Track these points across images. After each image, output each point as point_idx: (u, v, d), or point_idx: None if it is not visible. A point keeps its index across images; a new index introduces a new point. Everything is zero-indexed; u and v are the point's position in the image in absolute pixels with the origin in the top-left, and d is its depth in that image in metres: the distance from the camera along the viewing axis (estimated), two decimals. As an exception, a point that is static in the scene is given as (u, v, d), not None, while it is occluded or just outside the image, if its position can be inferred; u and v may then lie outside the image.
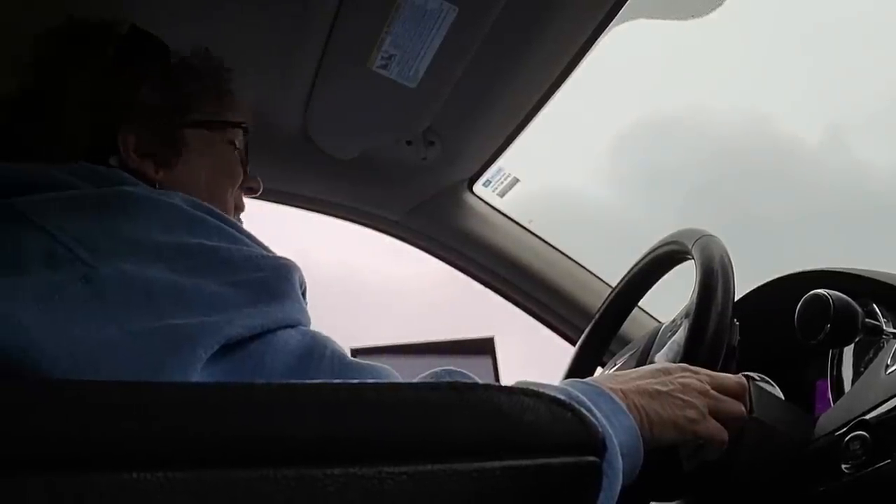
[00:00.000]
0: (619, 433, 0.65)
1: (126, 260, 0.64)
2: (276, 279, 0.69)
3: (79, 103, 0.84)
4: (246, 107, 0.96)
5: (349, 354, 0.83)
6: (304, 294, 0.74)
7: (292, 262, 0.73)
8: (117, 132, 0.84)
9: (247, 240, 0.73)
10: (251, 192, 0.97)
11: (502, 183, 1.64)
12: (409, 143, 1.48)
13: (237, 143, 0.93)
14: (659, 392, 0.74)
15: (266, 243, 0.77)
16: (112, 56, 0.87)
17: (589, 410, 0.63)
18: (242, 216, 0.99)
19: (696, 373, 0.79)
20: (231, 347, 0.63)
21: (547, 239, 1.70)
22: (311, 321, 0.73)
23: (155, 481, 0.43)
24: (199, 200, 0.75)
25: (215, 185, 0.90)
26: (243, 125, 0.94)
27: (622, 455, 0.63)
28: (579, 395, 0.65)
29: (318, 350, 0.67)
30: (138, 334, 0.60)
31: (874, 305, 0.92)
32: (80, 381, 0.45)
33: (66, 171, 0.77)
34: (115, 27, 0.89)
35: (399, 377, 0.69)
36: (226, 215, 0.75)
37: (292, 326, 0.68)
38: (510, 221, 1.69)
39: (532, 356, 1.89)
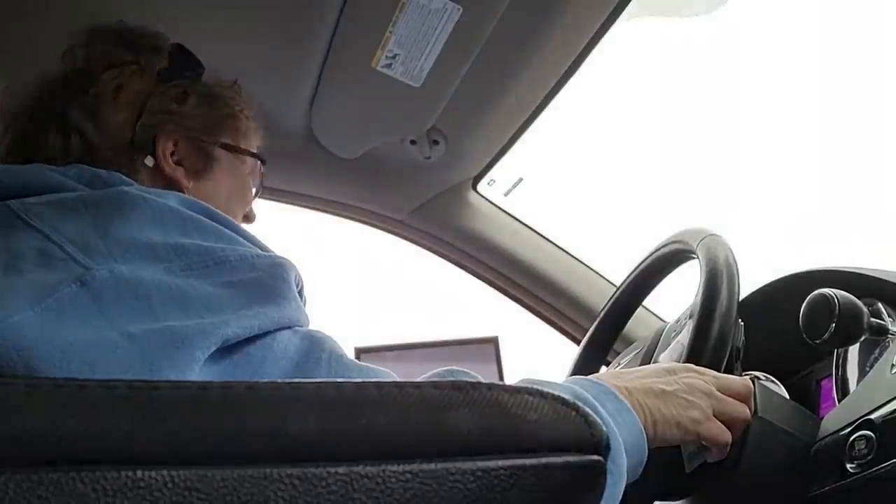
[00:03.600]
0: (623, 431, 0.65)
1: (121, 261, 0.64)
2: (271, 279, 0.69)
3: (131, 100, 0.87)
4: (258, 138, 1.01)
5: (353, 353, 0.83)
6: (301, 292, 0.74)
7: (288, 260, 0.73)
8: (158, 135, 0.88)
9: (242, 239, 0.73)
10: (246, 220, 1.00)
11: (506, 182, 1.64)
12: (413, 142, 1.48)
13: (255, 172, 0.98)
14: (664, 391, 0.74)
15: (265, 241, 0.77)
16: (165, 66, 0.91)
17: (594, 409, 0.63)
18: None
19: (701, 373, 0.79)
20: (229, 349, 0.63)
21: (551, 238, 1.70)
22: (310, 320, 0.73)
23: (159, 480, 0.43)
24: (194, 199, 0.75)
25: (230, 206, 0.93)
26: (263, 158, 0.99)
27: (626, 453, 0.63)
28: (584, 393, 0.65)
29: (314, 353, 0.67)
30: (134, 336, 0.60)
31: (879, 304, 0.92)
32: (82, 379, 0.45)
33: (63, 172, 0.77)
34: (162, 40, 0.94)
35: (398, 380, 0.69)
36: (221, 214, 0.75)
37: (289, 327, 0.68)
38: (514, 221, 1.69)
39: (536, 356, 1.89)
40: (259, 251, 0.72)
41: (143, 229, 0.68)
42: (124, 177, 0.79)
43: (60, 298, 0.60)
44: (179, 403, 0.45)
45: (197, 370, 0.60)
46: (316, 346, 0.68)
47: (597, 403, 0.65)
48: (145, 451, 0.43)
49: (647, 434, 0.69)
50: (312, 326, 0.80)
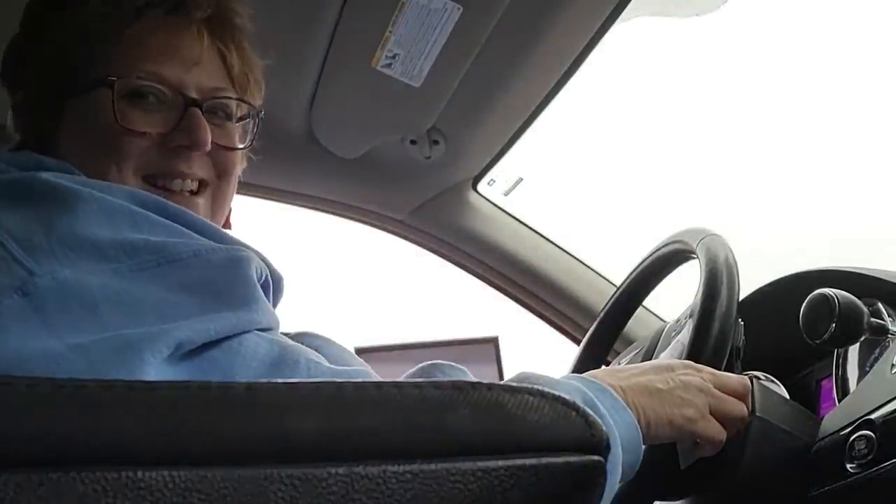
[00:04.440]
0: (620, 429, 0.65)
1: (66, 263, 0.60)
2: (227, 279, 0.64)
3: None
4: (166, 45, 0.76)
5: (353, 353, 0.81)
6: (267, 283, 0.69)
7: (247, 253, 0.67)
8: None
9: (192, 232, 0.67)
10: (192, 147, 0.77)
11: (506, 182, 1.64)
12: (413, 142, 1.48)
13: (111, 99, 0.74)
14: (659, 390, 0.74)
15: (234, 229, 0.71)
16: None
17: (594, 408, 0.63)
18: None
19: (699, 370, 0.79)
20: (189, 353, 0.60)
21: (551, 238, 1.70)
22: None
23: (159, 480, 0.43)
24: (145, 192, 0.69)
25: (95, 167, 0.74)
26: (110, 78, 0.74)
27: (622, 450, 0.63)
28: (586, 391, 0.66)
29: (290, 357, 0.64)
30: (80, 347, 0.57)
31: (879, 304, 0.92)
32: (82, 379, 0.45)
33: (9, 159, 0.72)
34: None
35: (378, 377, 0.67)
36: (173, 206, 0.69)
37: (249, 332, 0.63)
38: (514, 221, 1.69)
39: (536, 356, 1.89)
40: (213, 244, 0.66)
41: (89, 224, 0.62)
42: (43, 158, 0.72)
43: (2, 311, 0.57)
44: (179, 403, 0.45)
45: (151, 373, 0.57)
46: (289, 349, 0.64)
47: (596, 400, 0.65)
48: (145, 451, 0.43)
49: (641, 432, 0.69)
50: (312, 327, 0.79)
